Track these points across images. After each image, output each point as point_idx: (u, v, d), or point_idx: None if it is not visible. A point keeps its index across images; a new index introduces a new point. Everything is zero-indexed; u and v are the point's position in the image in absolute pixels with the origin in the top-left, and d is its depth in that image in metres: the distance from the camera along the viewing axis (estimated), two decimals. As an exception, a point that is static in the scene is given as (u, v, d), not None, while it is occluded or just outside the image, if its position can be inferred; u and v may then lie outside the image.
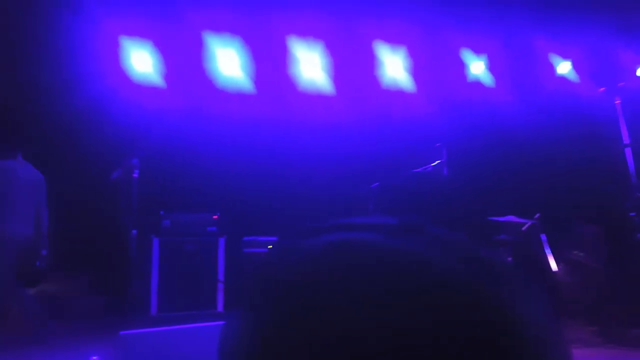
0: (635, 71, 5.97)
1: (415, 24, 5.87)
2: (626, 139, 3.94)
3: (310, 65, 6.22)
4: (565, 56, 6.05)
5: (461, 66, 6.20)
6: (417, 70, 6.14)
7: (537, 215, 5.11)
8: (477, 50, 6.15)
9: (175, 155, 5.67)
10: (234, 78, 6.15)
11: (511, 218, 5.08)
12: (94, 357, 3.04)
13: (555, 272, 5.07)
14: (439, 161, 5.07)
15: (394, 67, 6.18)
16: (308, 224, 0.44)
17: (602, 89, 4.26)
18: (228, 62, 6.13)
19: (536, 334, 0.37)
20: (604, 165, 4.46)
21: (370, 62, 6.18)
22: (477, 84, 6.14)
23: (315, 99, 6.16)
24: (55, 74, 5.39)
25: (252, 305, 0.41)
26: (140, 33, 5.84)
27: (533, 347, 0.36)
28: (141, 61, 5.95)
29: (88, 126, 5.29)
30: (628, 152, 3.93)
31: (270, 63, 6.15)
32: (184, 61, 5.99)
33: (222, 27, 5.96)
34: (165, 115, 5.77)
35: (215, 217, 5.36)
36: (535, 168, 5.76)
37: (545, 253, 5.08)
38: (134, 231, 4.38)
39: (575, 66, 6.02)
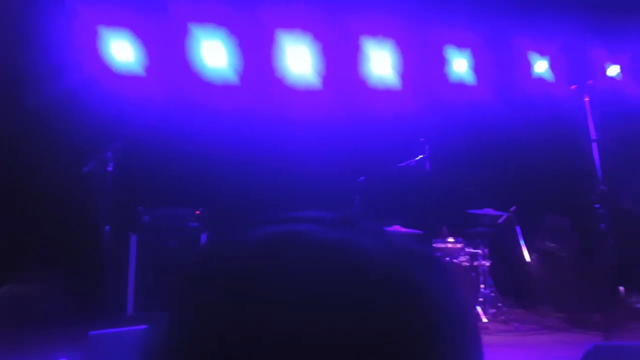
0: (605, 70, 6.29)
1: (402, 18, 5.95)
2: (593, 135, 4.11)
3: (298, 59, 6.19)
4: (542, 54, 6.31)
5: (445, 63, 6.36)
6: (402, 66, 6.25)
7: (512, 208, 5.36)
8: (461, 46, 6.30)
9: (155, 148, 5.51)
10: (218, 69, 6.06)
11: (488, 211, 5.32)
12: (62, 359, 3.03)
13: (528, 262, 5.39)
14: (421, 156, 5.25)
15: (380, 62, 6.27)
16: (250, 218, 0.44)
17: (573, 87, 4.45)
18: (212, 54, 6.02)
19: (452, 321, 0.39)
20: (574, 160, 4.69)
21: (357, 57, 6.24)
22: (460, 82, 6.32)
23: (301, 93, 6.17)
24: (30, 63, 5.21)
25: (178, 303, 0.39)
26: (120, 22, 5.75)
27: (446, 331, 0.38)
28: (121, 51, 5.84)
29: (63, 117, 5.15)
30: (595, 147, 4.09)
31: (256, 55, 6.13)
32: (166, 51, 5.91)
33: (207, 18, 5.90)
34: (145, 107, 5.66)
35: (197, 212, 5.23)
36: (511, 163, 6.02)
37: (519, 244, 5.40)
38: (107, 227, 4.27)
39: (551, 64, 6.30)
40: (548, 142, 5.81)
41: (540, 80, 6.34)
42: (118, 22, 5.78)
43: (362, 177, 5.31)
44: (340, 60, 6.20)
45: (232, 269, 0.39)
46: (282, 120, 5.95)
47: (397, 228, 5.22)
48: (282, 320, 0.35)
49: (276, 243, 0.40)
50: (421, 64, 6.28)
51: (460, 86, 6.30)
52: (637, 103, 6.24)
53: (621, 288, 5.55)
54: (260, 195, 5.52)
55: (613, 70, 6.36)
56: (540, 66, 6.38)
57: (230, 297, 0.37)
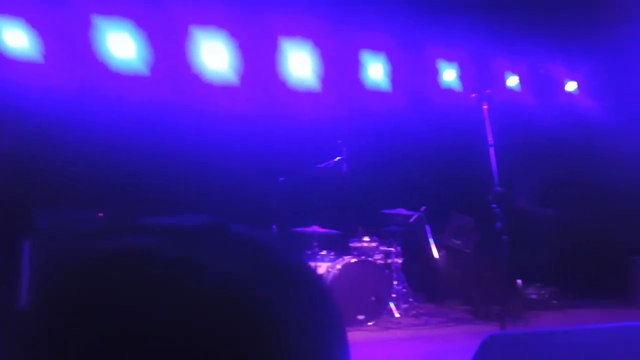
0: (504, 80, 6.80)
1: (319, 19, 6.00)
2: (491, 141, 4.43)
3: (213, 55, 6.02)
4: (450, 61, 6.69)
5: (361, 67, 6.53)
6: (321, 69, 6.32)
7: (422, 208, 5.67)
8: (376, 50, 6.48)
9: (52, 144, 5.05)
10: (126, 60, 5.69)
11: (401, 211, 5.57)
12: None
13: (436, 258, 5.72)
14: (339, 158, 5.39)
15: (299, 63, 6.30)
16: (106, 225, 0.43)
17: (473, 95, 4.78)
18: (120, 44, 5.64)
19: (300, 338, 0.37)
20: (475, 164, 4.99)
21: (275, 57, 6.22)
22: (375, 87, 6.52)
23: (218, 90, 5.98)
24: None
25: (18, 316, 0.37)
26: (12, 11, 5.27)
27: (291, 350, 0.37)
28: (14, 38, 5.36)
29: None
30: (492, 152, 4.40)
31: (167, 48, 5.83)
32: (67, 42, 5.45)
33: (113, 10, 5.56)
34: (42, 97, 5.15)
35: (100, 214, 4.92)
36: (422, 166, 6.31)
37: (429, 242, 5.72)
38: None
39: (458, 73, 6.70)
40: (454, 147, 6.13)
41: (448, 88, 6.71)
42: (10, 10, 5.28)
43: (282, 178, 5.33)
44: (259, 59, 6.14)
45: (61, 294, 0.37)
46: (198, 117, 5.72)
47: (315, 228, 5.30)
48: (107, 350, 0.33)
49: (105, 261, 0.38)
50: (339, 67, 6.40)
51: (376, 92, 6.50)
52: (532, 112, 6.81)
53: (519, 281, 6.14)
54: (173, 196, 5.31)
55: (512, 81, 6.87)
56: (449, 75, 6.77)
57: (77, 313, 0.35)
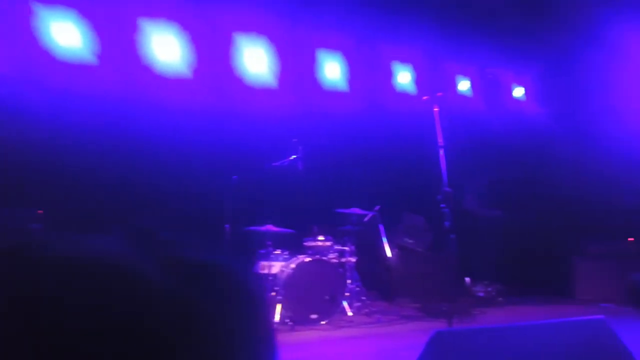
0: (455, 82, 6.98)
1: (275, 16, 5.94)
2: (440, 142, 4.52)
3: (166, 47, 5.83)
4: (404, 63, 6.79)
5: (318, 66, 6.52)
6: (277, 65, 6.26)
7: (376, 208, 5.70)
8: (333, 49, 6.49)
9: None
10: (72, 49, 5.37)
11: (355, 210, 5.60)
12: None
13: (389, 257, 5.76)
14: (294, 156, 5.34)
15: (254, 59, 6.23)
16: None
17: (425, 97, 4.86)
18: (65, 32, 5.37)
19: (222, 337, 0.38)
20: (427, 164, 5.05)
21: (229, 52, 6.11)
22: (331, 87, 6.54)
23: (170, 82, 5.78)
24: None
25: None
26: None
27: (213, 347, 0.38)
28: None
29: None
30: (442, 153, 4.50)
31: (121, 41, 5.60)
32: (7, 27, 5.14)
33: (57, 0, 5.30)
34: None
35: (39, 211, 4.70)
36: (376, 166, 6.34)
37: (382, 241, 5.75)
38: None
39: (412, 76, 6.82)
40: (407, 148, 6.23)
41: (403, 91, 6.82)
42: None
43: (235, 176, 5.26)
44: (212, 53, 6.00)
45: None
46: (148, 111, 5.51)
47: (269, 227, 5.27)
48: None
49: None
50: (295, 64, 6.36)
51: (332, 91, 6.52)
52: (482, 116, 7.04)
53: (467, 279, 6.32)
54: (120, 192, 5.12)
55: (464, 85, 7.08)
56: (403, 77, 6.89)
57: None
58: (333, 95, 6.48)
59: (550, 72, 6.99)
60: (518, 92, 7.42)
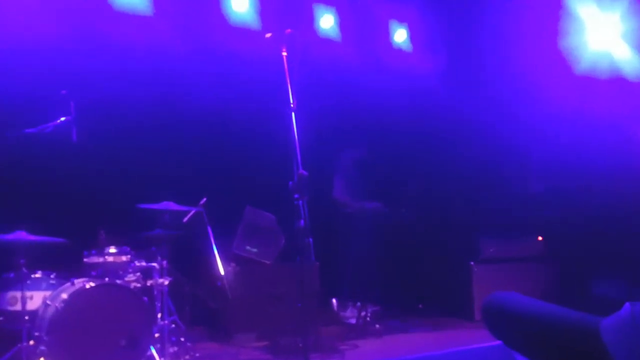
0: (314, 16, 6.13)
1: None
2: (293, 103, 3.77)
3: None
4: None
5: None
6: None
7: (202, 201, 4.86)
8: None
9: None
10: None
11: (168, 205, 4.62)
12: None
13: (222, 275, 4.88)
14: (63, 118, 4.34)
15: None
16: None
17: (268, 35, 3.92)
18: None
19: None
20: (275, 136, 4.33)
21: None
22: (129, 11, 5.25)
23: None
24: None
25: None
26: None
27: None
28: None
29: None
30: (293, 118, 3.71)
31: None
32: None
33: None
34: None
35: None
36: (201, 139, 5.54)
37: (212, 251, 4.90)
38: None
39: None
40: (246, 111, 5.42)
41: (239, 24, 5.71)
42: None
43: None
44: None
45: None
46: None
47: (21, 235, 4.16)
48: None
49: None
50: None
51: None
52: (352, 68, 6.30)
53: (333, 300, 5.90)
54: None
55: (326, 21, 6.18)
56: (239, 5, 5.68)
57: None
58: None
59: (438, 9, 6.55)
60: (399, 35, 6.67)
